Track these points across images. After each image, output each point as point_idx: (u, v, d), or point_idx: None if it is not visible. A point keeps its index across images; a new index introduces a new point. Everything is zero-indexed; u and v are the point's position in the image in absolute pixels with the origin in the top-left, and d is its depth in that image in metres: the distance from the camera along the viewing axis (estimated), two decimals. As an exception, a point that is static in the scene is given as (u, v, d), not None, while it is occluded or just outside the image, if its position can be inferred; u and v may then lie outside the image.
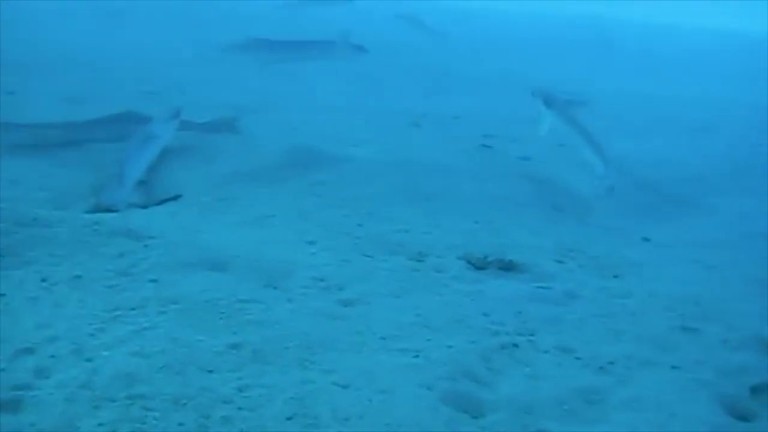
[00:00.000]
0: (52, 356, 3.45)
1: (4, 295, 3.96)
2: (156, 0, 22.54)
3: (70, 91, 10.35)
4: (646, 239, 6.54)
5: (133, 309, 3.96)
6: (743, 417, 3.65)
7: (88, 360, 3.45)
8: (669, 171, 8.99)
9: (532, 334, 4.26)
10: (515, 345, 4.09)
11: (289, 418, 3.20)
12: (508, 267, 5.30)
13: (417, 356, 3.83)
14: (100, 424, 3.01)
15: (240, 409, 3.22)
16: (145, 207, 6.26)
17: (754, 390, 3.83)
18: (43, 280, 4.14)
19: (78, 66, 12.26)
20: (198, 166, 7.29)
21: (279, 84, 12.85)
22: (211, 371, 3.47)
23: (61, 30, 16.69)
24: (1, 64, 10.97)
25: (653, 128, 11.78)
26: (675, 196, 8.05)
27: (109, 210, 5.96)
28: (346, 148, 8.23)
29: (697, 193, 8.25)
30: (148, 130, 7.09)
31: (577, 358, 4.02)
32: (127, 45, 15.46)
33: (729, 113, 13.43)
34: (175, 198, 6.48)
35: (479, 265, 5.26)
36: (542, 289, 4.89)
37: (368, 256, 5.23)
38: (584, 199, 7.55)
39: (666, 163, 9.39)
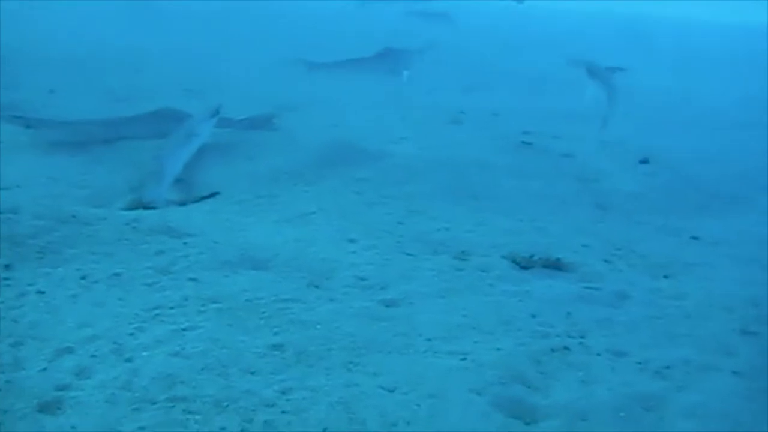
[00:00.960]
0: (93, 356, 3.38)
1: (43, 293, 3.90)
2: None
3: (112, 89, 10.38)
4: (695, 238, 6.30)
5: (173, 308, 3.88)
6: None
7: (128, 360, 3.37)
8: (714, 168, 8.70)
9: (582, 337, 4.09)
10: (566, 348, 3.92)
11: (334, 423, 3.08)
12: (554, 266, 5.13)
13: (465, 359, 3.69)
14: (141, 428, 2.92)
15: (284, 412, 3.11)
16: (183, 204, 6.20)
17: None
18: (83, 278, 4.08)
19: (120, 64, 12.30)
20: (237, 163, 7.22)
21: (317, 81, 12.79)
22: (253, 373, 3.37)
23: (104, 28, 16.83)
24: (43, 62, 11.05)
25: (695, 124, 11.48)
26: (721, 193, 7.77)
27: (147, 207, 5.92)
28: (386, 145, 8.10)
29: (744, 190, 7.96)
30: (187, 128, 7.04)
31: (632, 362, 3.84)
32: (168, 41, 15.53)
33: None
34: (214, 195, 6.41)
35: (525, 265, 5.10)
36: (591, 289, 4.71)
37: (411, 255, 5.10)
38: (630, 196, 7.32)
39: (711, 159, 9.11)
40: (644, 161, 8.45)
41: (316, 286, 4.40)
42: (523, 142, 9.20)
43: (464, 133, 9.51)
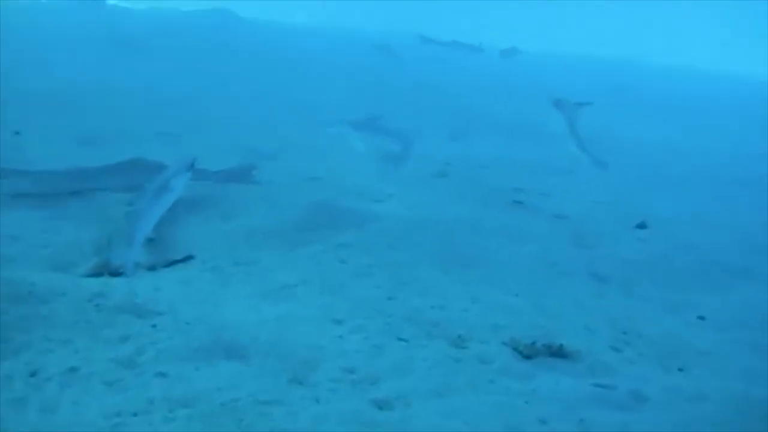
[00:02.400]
0: (38, 482, 2.87)
1: (-15, 393, 3.39)
2: (179, 34, 22.23)
3: (81, 131, 9.91)
4: (701, 318, 5.92)
5: (136, 415, 3.36)
6: None
7: (81, 487, 2.86)
8: (714, 233, 8.37)
9: (599, 450, 3.65)
10: (582, 465, 3.48)
11: None
12: (559, 354, 4.70)
13: (471, 481, 3.23)
14: None
15: None
16: (153, 269, 5.72)
17: None
18: (33, 375, 3.56)
19: (90, 102, 11.79)
20: (212, 221, 6.76)
21: (295, 123, 12.39)
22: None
23: (71, 60, 16.31)
24: (7, 99, 10.50)
25: (690, 183, 11.20)
26: (723, 262, 7.41)
27: (114, 273, 5.43)
28: (371, 204, 7.67)
29: (747, 258, 7.62)
30: (159, 182, 6.56)
31: (658, 485, 3.41)
32: (142, 78, 15.05)
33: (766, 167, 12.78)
34: (186, 260, 5.93)
35: (527, 353, 4.66)
36: (603, 388, 4.27)
37: (403, 340, 4.64)
38: (628, 265, 6.94)
39: (710, 223, 8.79)
40: (641, 226, 8.10)
41: (300, 382, 3.92)
42: (514, 201, 8.83)
43: (452, 189, 9.12)
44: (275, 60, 19.77)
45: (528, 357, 4.63)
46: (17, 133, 9.15)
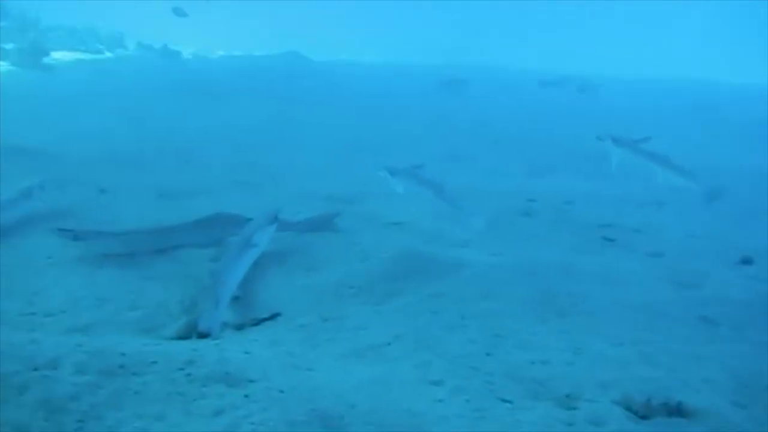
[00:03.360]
0: None
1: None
2: (253, 79, 22.56)
3: (161, 184, 9.98)
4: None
5: (235, 502, 3.17)
6: None
7: None
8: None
9: None
10: None
11: None
12: (678, 413, 4.33)
13: None
14: None
15: None
16: (240, 328, 5.60)
17: None
18: (128, 457, 3.42)
19: (166, 155, 11.96)
20: (297, 275, 6.62)
21: (371, 167, 12.27)
22: None
23: (151, 111, 16.67)
24: (90, 161, 10.74)
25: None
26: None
27: (202, 335, 5.33)
28: (457, 250, 7.44)
29: None
30: (243, 237, 6.47)
31: None
32: (218, 126, 15.26)
33: None
34: (273, 317, 5.80)
35: (642, 413, 4.31)
36: (735, 454, 3.89)
37: (507, 402, 4.35)
38: (739, 306, 6.48)
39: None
40: (746, 261, 7.60)
41: (403, 455, 3.68)
42: (605, 238, 8.45)
43: (539, 229, 8.80)
44: (348, 102, 19.82)
45: (644, 417, 4.28)
46: (102, 190, 9.29)
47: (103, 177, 9.92)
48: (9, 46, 25.35)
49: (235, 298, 6.01)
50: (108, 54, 30.12)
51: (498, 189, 11.23)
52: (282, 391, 4.20)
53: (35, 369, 3.90)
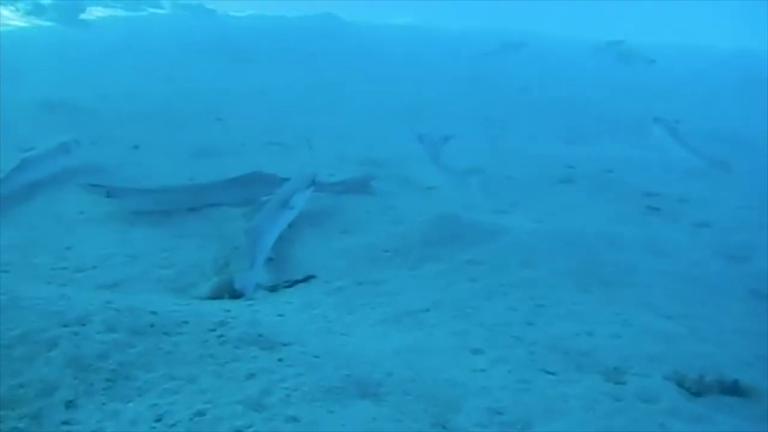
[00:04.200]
0: None
1: (111, 440, 3.14)
2: (287, 41, 22.22)
3: (195, 143, 9.79)
4: None
5: (269, 469, 3.03)
6: None
7: None
8: None
9: None
10: None
11: None
12: (733, 391, 4.12)
13: None
14: None
15: None
16: (274, 289, 5.46)
17: None
18: (158, 420, 3.29)
19: (201, 114, 11.78)
20: (332, 238, 6.44)
21: (407, 131, 12.01)
22: None
23: (186, 70, 16.46)
24: (126, 117, 10.61)
25: None
26: None
27: (235, 295, 5.20)
28: (496, 216, 7.20)
29: None
30: (279, 198, 6.30)
31: None
32: (253, 87, 15.03)
33: None
34: (308, 279, 5.65)
35: (695, 390, 4.10)
36: (796, 437, 3.67)
37: (551, 374, 4.16)
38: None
39: None
40: (799, 235, 7.28)
41: (443, 426, 3.51)
42: (649, 207, 8.15)
43: (579, 196, 8.52)
44: (384, 65, 19.44)
45: (697, 394, 4.07)
46: (136, 147, 9.17)
47: (137, 134, 9.79)
48: (47, 1, 25.30)
49: (269, 260, 5.86)
50: (144, 12, 29.93)
51: (536, 154, 10.92)
52: (317, 356, 4.05)
53: (64, 325, 3.78)
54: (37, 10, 23.96)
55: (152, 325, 4.02)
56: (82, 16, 24.36)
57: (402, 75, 17.85)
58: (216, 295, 5.27)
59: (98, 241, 6.06)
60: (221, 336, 4.13)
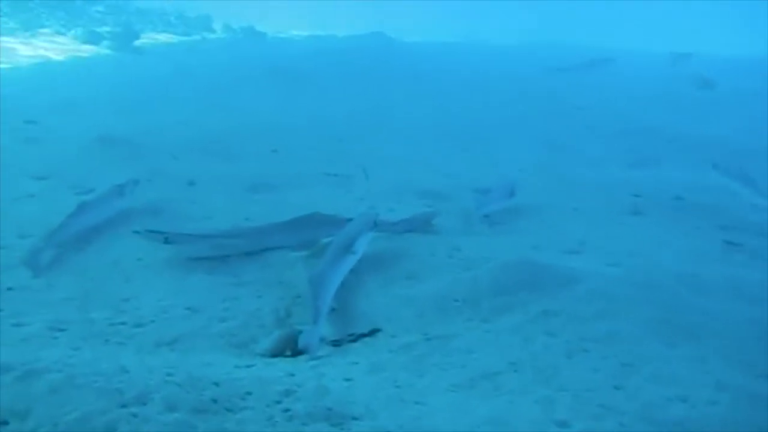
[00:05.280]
0: None
1: None
2: (338, 61, 22.03)
3: (249, 176, 9.60)
4: None
5: None
6: None
7: None
8: None
9: None
10: None
11: None
12: None
13: None
14: None
15: None
16: (338, 344, 5.20)
17: None
18: None
19: (257, 142, 11.60)
20: (396, 284, 6.15)
21: (465, 157, 11.71)
22: None
23: (241, 101, 16.39)
24: (181, 148, 10.52)
25: None
26: None
27: (297, 353, 4.95)
28: (566, 257, 6.84)
29: None
30: (341, 242, 6.06)
31: None
32: (305, 112, 14.86)
33: None
34: (373, 333, 5.37)
35: (810, 472, 3.69)
36: None
37: (646, 452, 3.80)
38: None
39: None
40: None
41: None
42: (727, 242, 7.69)
43: (651, 231, 8.09)
44: (437, 85, 19.17)
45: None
46: (191, 183, 9.04)
47: (192, 168, 9.68)
48: (104, 29, 25.70)
49: (332, 309, 5.61)
50: (196, 36, 30.25)
51: (599, 181, 10.53)
52: (389, 432, 3.76)
53: (123, 406, 3.56)
54: (94, 38, 24.32)
55: (215, 401, 3.78)
56: (136, 42, 24.66)
57: (456, 97, 17.53)
58: (278, 352, 5.04)
59: (156, 292, 5.87)
60: (287, 410, 3.87)
